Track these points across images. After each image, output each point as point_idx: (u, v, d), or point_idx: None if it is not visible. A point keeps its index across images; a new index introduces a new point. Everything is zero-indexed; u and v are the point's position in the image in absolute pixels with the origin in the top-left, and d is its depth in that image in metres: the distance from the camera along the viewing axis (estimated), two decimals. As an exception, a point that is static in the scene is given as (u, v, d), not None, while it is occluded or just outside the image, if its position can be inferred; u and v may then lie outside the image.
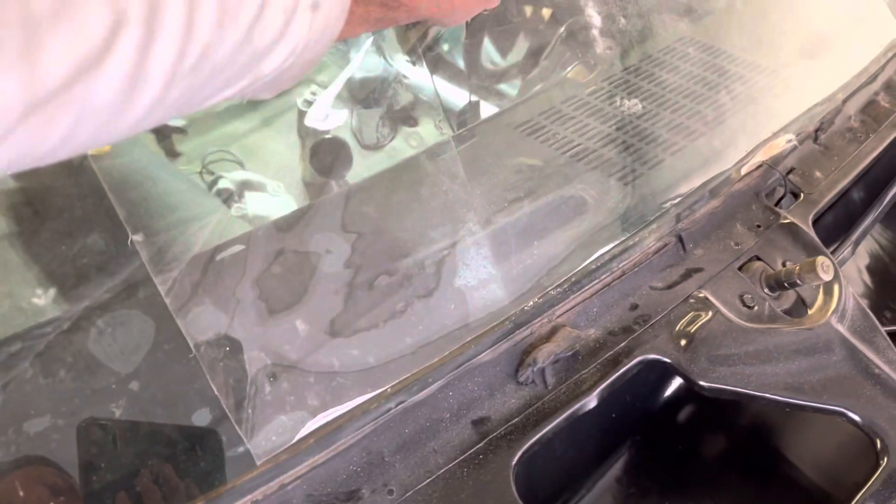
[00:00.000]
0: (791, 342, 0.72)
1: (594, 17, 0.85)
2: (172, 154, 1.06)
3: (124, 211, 0.53)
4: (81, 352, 0.53)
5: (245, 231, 0.65)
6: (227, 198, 0.99)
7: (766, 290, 0.77)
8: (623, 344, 0.70)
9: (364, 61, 1.07)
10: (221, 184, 1.04)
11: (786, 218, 0.84)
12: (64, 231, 0.54)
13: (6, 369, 0.52)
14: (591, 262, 0.72)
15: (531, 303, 0.68)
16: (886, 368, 0.72)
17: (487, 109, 1.08)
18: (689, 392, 0.74)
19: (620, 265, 0.74)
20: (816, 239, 0.83)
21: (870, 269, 1.13)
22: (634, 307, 0.73)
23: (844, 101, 1.00)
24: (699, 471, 0.84)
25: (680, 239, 0.78)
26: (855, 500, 0.64)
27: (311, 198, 0.99)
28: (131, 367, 0.53)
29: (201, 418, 0.54)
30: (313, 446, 0.56)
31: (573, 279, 0.71)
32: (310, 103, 1.10)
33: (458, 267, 0.67)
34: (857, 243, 0.96)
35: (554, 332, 0.69)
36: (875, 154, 0.98)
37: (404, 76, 1.21)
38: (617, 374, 0.67)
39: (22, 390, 0.52)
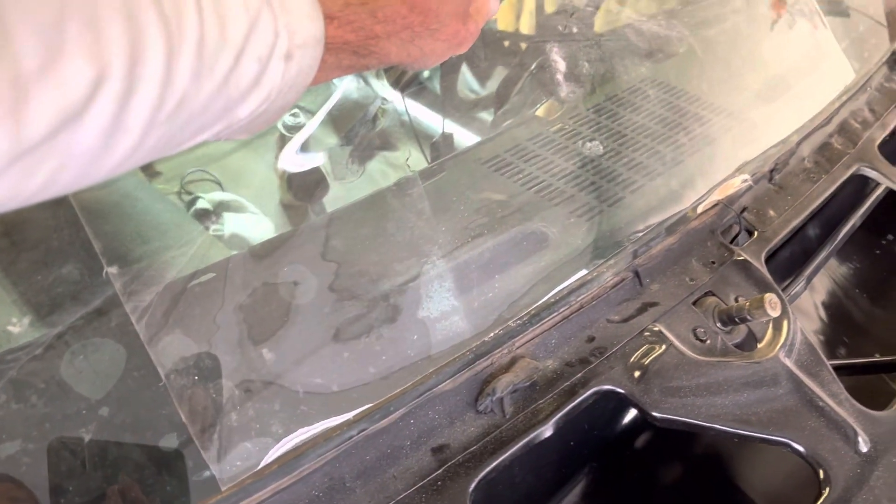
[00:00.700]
0: (740, 375, 0.76)
1: (559, 62, 0.89)
2: (151, 173, 1.08)
3: (100, 243, 0.55)
4: (54, 377, 0.55)
5: (219, 259, 0.67)
6: (205, 218, 1.01)
7: (719, 325, 0.81)
8: (579, 375, 0.73)
9: (347, 86, 1.10)
10: (200, 204, 1.06)
11: (739, 255, 0.88)
12: (40, 261, 0.57)
13: (-22, 394, 0.53)
14: (550, 296, 0.76)
15: (492, 334, 0.71)
16: (830, 401, 0.76)
17: (461, 139, 1.12)
18: (645, 422, 0.77)
19: (579, 299, 0.77)
20: (768, 275, 0.86)
21: (826, 304, 1.18)
22: (591, 339, 0.76)
23: (799, 143, 1.05)
24: (655, 498, 0.87)
25: (637, 274, 0.82)
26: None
27: (289, 220, 1.01)
28: (102, 393, 0.55)
29: (169, 444, 0.56)
30: (277, 472, 0.58)
31: (533, 312, 0.74)
32: (291, 127, 1.13)
33: (421, 299, 0.70)
34: (809, 279, 1.00)
35: (513, 362, 0.71)
36: (827, 193, 1.02)
37: (385, 100, 1.25)
38: (573, 404, 0.70)
39: (-6, 414, 0.53)
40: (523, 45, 1.11)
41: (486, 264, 0.75)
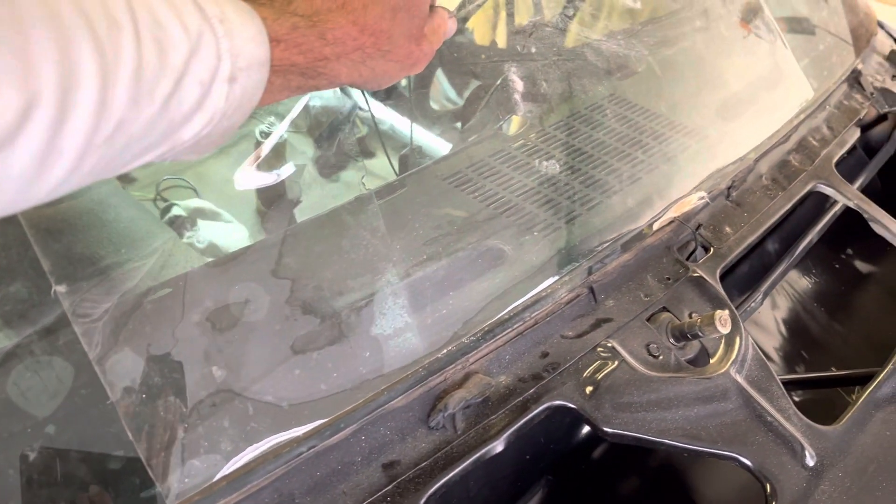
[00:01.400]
0: (691, 391, 0.77)
1: (517, 82, 0.91)
2: (126, 179, 1.08)
3: (48, 261, 0.56)
4: None
5: (174, 276, 0.68)
6: (179, 225, 1.01)
7: (672, 341, 0.82)
8: (532, 390, 0.74)
9: (322, 93, 1.10)
10: (174, 211, 1.06)
11: (694, 271, 0.89)
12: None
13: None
14: (505, 312, 0.77)
15: (445, 350, 0.72)
16: (778, 416, 0.77)
17: (432, 149, 1.13)
18: (598, 436, 0.78)
19: (533, 315, 0.78)
20: (721, 291, 0.88)
21: (785, 319, 1.20)
22: (545, 355, 0.77)
23: (757, 161, 1.07)
24: (610, 511, 0.88)
25: (592, 290, 0.83)
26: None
27: (263, 229, 1.02)
28: (49, 412, 0.55)
29: (116, 462, 0.57)
30: (226, 488, 0.59)
31: (487, 328, 0.75)
32: (266, 134, 1.13)
33: (374, 316, 0.70)
34: (766, 293, 1.02)
35: (467, 378, 0.72)
36: (784, 210, 1.04)
37: (360, 108, 1.26)
38: (525, 419, 0.71)
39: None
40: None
41: (442, 281, 0.76)
